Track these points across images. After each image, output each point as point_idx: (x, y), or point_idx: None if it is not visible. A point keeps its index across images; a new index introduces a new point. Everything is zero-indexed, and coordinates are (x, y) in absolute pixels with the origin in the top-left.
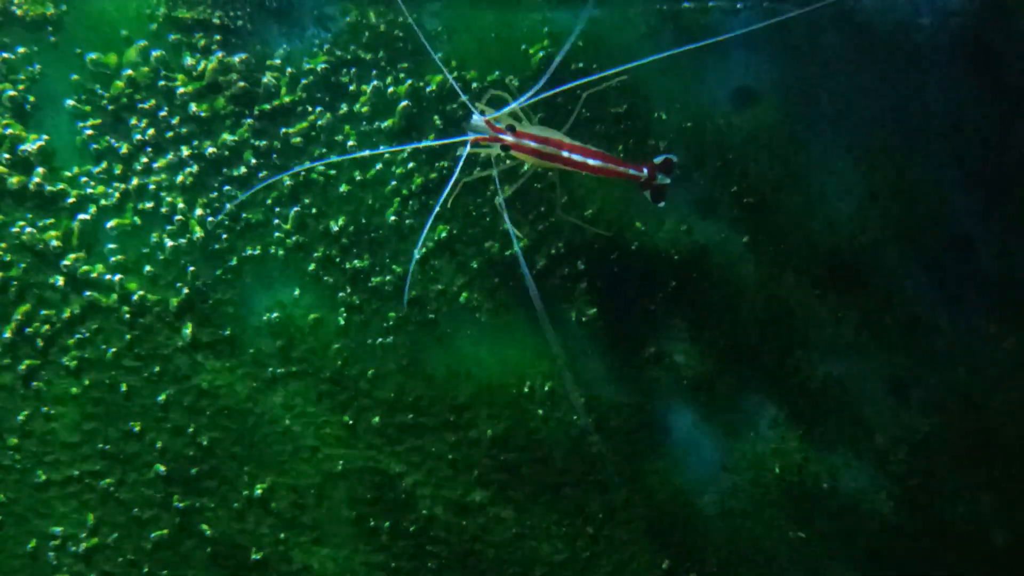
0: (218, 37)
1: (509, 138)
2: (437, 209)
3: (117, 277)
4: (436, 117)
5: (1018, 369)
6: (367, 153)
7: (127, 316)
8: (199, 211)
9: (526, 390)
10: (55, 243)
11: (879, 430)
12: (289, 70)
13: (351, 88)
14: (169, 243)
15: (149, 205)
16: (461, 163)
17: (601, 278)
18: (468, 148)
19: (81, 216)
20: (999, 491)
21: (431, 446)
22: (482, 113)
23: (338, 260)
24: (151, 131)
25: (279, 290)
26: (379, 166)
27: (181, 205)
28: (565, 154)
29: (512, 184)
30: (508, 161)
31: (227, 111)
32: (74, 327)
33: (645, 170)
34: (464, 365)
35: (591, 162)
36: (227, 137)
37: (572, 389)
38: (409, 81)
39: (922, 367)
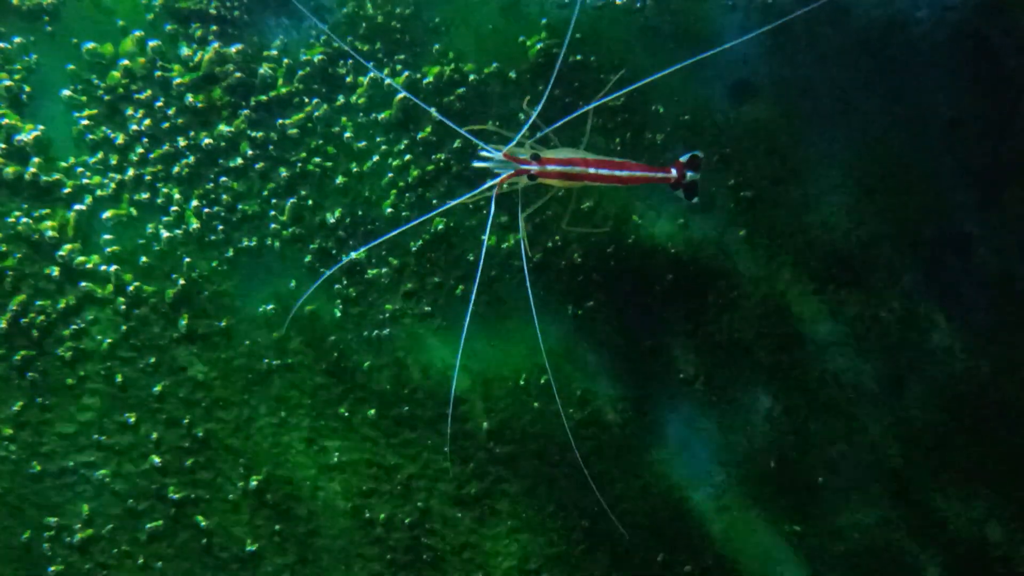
0: (215, 27)
1: (535, 167)
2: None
3: (113, 268)
4: (433, 109)
5: (1015, 365)
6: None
7: (123, 307)
8: (195, 202)
9: (521, 383)
10: (51, 233)
11: (874, 425)
12: (286, 61)
13: (348, 80)
14: (165, 234)
15: (145, 196)
16: (493, 205)
17: (598, 272)
18: (496, 191)
19: (77, 206)
20: (994, 488)
21: (427, 438)
22: (499, 149)
23: (334, 252)
24: (147, 121)
25: (275, 282)
26: (375, 158)
27: (177, 196)
28: (592, 171)
29: (534, 202)
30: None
31: (223, 102)
32: (69, 318)
33: (674, 170)
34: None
35: (619, 174)
36: (223, 128)
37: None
38: (406, 73)
39: (918, 363)
